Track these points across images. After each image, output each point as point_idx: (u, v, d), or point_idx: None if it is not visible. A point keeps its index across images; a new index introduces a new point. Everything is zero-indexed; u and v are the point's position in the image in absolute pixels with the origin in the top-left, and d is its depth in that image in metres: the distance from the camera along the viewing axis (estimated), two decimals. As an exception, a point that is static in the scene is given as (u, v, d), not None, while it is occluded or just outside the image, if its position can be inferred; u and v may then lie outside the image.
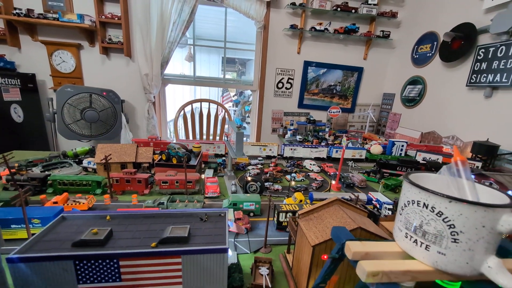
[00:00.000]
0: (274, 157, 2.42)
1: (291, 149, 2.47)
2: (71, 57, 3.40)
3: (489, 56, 2.52)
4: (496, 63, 2.45)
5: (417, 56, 3.56)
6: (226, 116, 3.43)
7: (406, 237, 0.58)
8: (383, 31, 3.78)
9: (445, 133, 3.06)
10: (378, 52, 4.02)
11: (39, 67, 3.34)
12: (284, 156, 2.46)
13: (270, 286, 0.87)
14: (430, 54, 3.33)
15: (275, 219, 1.30)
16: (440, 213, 0.51)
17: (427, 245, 0.54)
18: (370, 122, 4.16)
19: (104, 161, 1.43)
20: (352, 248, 0.59)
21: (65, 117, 3.01)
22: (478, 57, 2.62)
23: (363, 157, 2.53)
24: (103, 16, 3.26)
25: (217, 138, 3.54)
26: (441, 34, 3.08)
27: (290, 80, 3.99)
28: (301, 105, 4.12)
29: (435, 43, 3.25)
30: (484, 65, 2.57)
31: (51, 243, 0.69)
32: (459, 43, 2.81)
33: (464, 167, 0.62)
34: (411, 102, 3.63)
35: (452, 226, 0.50)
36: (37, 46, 3.30)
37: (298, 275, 0.93)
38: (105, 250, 0.67)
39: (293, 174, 1.96)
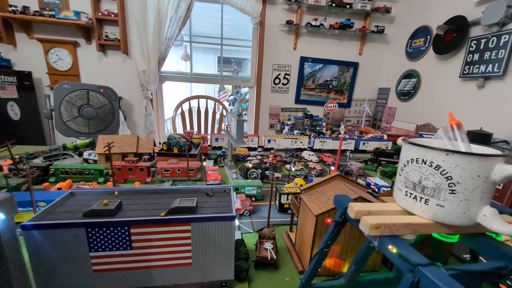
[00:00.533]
0: (272, 149, 2.45)
1: (321, 141, 2.60)
2: (68, 54, 3.39)
3: (481, 48, 2.58)
4: (488, 54, 2.51)
5: (411, 50, 3.62)
6: (224, 113, 3.45)
7: (406, 195, 0.61)
8: (377, 26, 3.84)
9: (440, 124, 3.11)
10: (373, 47, 4.08)
11: (35, 64, 3.33)
12: (314, 148, 2.57)
13: (275, 257, 0.89)
14: (424, 48, 3.40)
15: (277, 202, 1.32)
16: (438, 166, 0.54)
17: (426, 199, 0.57)
18: (366, 117, 4.22)
19: (106, 150, 1.45)
20: (355, 207, 0.62)
21: (63, 114, 3.00)
22: (471, 49, 2.69)
23: (389, 148, 2.55)
24: (99, 13, 3.26)
25: (216, 133, 3.55)
26: (434, 27, 3.14)
27: (286, 76, 4.02)
28: (298, 100, 4.16)
29: (428, 36, 3.31)
30: (476, 56, 2.63)
31: (62, 214, 0.71)
32: (452, 36, 2.87)
33: (460, 131, 0.65)
34: (406, 95, 3.69)
35: (449, 178, 0.53)
36: (33, 43, 3.29)
37: (301, 248, 0.95)
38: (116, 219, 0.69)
39: (292, 164, 1.99)
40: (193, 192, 0.89)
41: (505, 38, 2.36)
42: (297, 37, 3.83)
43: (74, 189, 0.83)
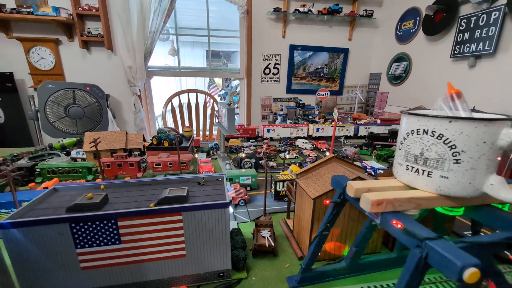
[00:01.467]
0: (266, 139, 2.42)
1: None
2: (50, 53, 3.27)
3: (471, 26, 2.56)
4: (478, 32, 2.50)
5: (401, 33, 3.59)
6: (216, 107, 3.38)
7: (407, 169, 0.58)
8: (366, 10, 3.79)
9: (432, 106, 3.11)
10: (363, 32, 4.03)
11: (16, 65, 3.20)
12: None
13: (273, 244, 0.86)
14: (414, 30, 3.37)
15: (273, 190, 1.29)
16: (441, 135, 0.51)
17: (429, 172, 0.54)
18: (359, 103, 4.20)
19: (93, 146, 1.39)
20: (354, 185, 0.59)
21: (49, 115, 2.90)
22: (461, 28, 2.67)
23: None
24: (80, 8, 3.14)
25: (207, 128, 3.49)
26: (423, 8, 3.11)
27: (277, 66, 3.96)
28: (289, 90, 4.11)
29: (418, 18, 3.28)
30: (466, 35, 2.62)
31: (44, 210, 0.66)
32: (441, 16, 2.85)
33: (460, 99, 0.62)
34: (397, 79, 3.68)
35: (453, 146, 0.50)
36: (12, 43, 3.15)
37: (300, 234, 0.92)
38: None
39: (286, 152, 1.96)
40: (184, 182, 0.85)
41: (495, 14, 2.35)
42: (285, 24, 3.76)
43: (57, 185, 0.78)
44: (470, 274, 0.36)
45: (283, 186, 1.24)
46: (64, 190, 0.78)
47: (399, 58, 3.62)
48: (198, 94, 3.48)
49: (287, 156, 1.84)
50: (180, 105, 3.36)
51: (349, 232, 0.85)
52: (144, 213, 0.64)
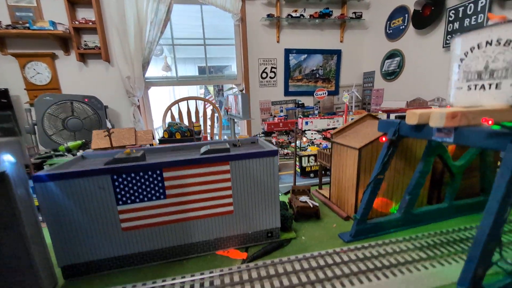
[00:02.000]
0: (273, 133, 2.39)
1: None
2: (46, 67, 3.22)
3: (460, 16, 2.67)
4: (467, 20, 2.60)
5: (391, 31, 3.71)
6: (216, 113, 3.37)
7: (469, 89, 0.56)
8: (355, 12, 3.93)
9: (430, 97, 3.17)
10: (353, 34, 4.16)
11: (11, 81, 3.14)
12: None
13: (317, 205, 0.81)
14: (403, 26, 3.49)
15: (298, 167, 1.25)
16: (509, 41, 0.49)
17: (497, 83, 0.52)
18: (356, 101, 4.26)
19: (105, 140, 1.33)
20: (416, 111, 0.56)
21: (46, 128, 2.81)
22: (450, 19, 2.78)
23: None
24: (76, 22, 3.14)
25: (208, 132, 3.45)
26: (410, 6, 3.24)
27: (273, 69, 4.01)
28: (287, 92, 4.15)
29: (406, 15, 3.42)
30: (456, 25, 2.72)
31: (79, 167, 0.60)
32: (430, 9, 2.97)
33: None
34: (391, 75, 3.76)
35: (523, 49, 0.48)
36: (7, 60, 3.11)
37: (341, 197, 0.88)
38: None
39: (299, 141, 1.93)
40: (218, 143, 0.81)
41: (482, 2, 2.46)
42: (279, 29, 3.85)
43: (84, 153, 0.72)
44: None
45: (308, 162, 1.20)
46: (93, 157, 0.72)
47: (392, 55, 3.72)
48: (197, 101, 3.47)
49: (304, 139, 1.81)
50: (180, 113, 3.32)
51: (396, 187, 0.81)
52: (191, 162, 0.59)
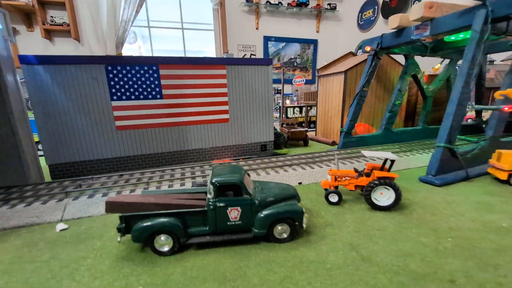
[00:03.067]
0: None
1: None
2: (6, 43, 2.96)
3: (424, 5, 2.90)
4: (430, 9, 2.84)
5: (362, 22, 3.92)
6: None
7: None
8: (330, 4, 4.10)
9: (398, 83, 3.40)
10: (329, 24, 4.34)
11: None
12: None
13: (306, 129, 0.85)
14: (374, 18, 3.70)
15: (283, 116, 1.28)
16: None
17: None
18: (331, 90, 4.43)
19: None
20: (398, 15, 0.61)
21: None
22: (415, 8, 3.01)
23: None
24: (41, -6, 2.93)
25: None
26: (380, -3, 3.45)
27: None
28: (266, 80, 4.21)
29: (376, 6, 3.63)
30: (421, 14, 2.95)
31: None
32: (397, 0, 3.19)
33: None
34: (364, 64, 3.97)
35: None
36: (-42, 32, 2.81)
37: (327, 127, 0.93)
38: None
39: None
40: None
41: (443, -8, 2.70)
42: (258, 16, 3.90)
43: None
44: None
45: (293, 113, 1.24)
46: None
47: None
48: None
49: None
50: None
51: (376, 113, 0.88)
52: (188, 61, 0.60)
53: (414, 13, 0.57)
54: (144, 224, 0.53)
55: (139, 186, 0.58)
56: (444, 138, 0.64)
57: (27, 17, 3.00)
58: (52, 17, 3.07)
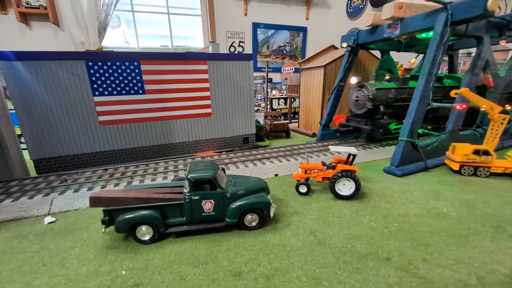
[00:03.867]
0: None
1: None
2: (-21, 26, 2.80)
3: (411, -6, 2.92)
4: (417, -2, 2.86)
5: (351, 10, 3.91)
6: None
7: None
8: (319, -10, 4.05)
9: (385, 72, 3.45)
10: (318, 12, 4.30)
11: None
12: None
13: (288, 122, 0.88)
14: (362, 5, 3.70)
15: (269, 110, 1.31)
16: None
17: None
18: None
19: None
20: (371, 13, 0.64)
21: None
22: (402, -3, 3.02)
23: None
24: (16, -26, 2.76)
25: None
26: (368, -15, 3.43)
27: (241, 44, 3.99)
28: (255, 68, 4.18)
29: (365, -6, 3.62)
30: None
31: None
32: (386, -12, 3.19)
33: None
34: (352, 52, 3.99)
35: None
36: None
37: (308, 120, 0.97)
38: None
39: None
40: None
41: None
42: (246, 2, 3.82)
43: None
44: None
45: (278, 104, 1.26)
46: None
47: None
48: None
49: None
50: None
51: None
52: (169, 56, 0.61)
53: (385, 12, 0.60)
54: (126, 217, 0.58)
55: (123, 180, 0.62)
56: (406, 133, 0.73)
57: (0, -2, 2.83)
58: (27, -2, 2.91)
